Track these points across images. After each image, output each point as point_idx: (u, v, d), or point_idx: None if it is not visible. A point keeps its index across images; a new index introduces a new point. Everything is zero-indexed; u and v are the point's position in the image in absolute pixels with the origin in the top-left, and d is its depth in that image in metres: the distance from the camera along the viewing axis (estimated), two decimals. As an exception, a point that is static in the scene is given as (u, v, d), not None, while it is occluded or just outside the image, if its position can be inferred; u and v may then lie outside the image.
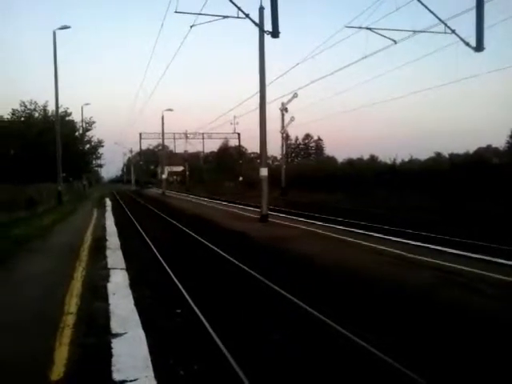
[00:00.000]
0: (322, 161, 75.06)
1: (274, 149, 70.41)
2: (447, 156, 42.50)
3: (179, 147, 75.56)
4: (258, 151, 18.55)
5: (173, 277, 8.05)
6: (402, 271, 8.01)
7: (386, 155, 45.21)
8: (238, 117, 56.73)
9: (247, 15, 15.04)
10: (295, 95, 37.10)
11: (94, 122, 50.12)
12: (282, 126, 40.67)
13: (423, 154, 67.37)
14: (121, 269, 8.48)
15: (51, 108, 40.51)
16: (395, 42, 15.47)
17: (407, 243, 10.96)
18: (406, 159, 42.43)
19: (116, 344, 4.48)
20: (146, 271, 8.87)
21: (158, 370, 3.96)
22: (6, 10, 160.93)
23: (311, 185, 41.03)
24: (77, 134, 48.19)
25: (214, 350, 4.62)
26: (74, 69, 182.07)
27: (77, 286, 7.00)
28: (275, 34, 14.75)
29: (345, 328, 5.12)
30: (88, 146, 53.59)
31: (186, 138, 67.43)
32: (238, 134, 66.54)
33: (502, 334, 4.94)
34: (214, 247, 11.23)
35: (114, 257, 9.78)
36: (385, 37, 15.37)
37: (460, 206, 22.03)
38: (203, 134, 65.82)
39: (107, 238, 12.93)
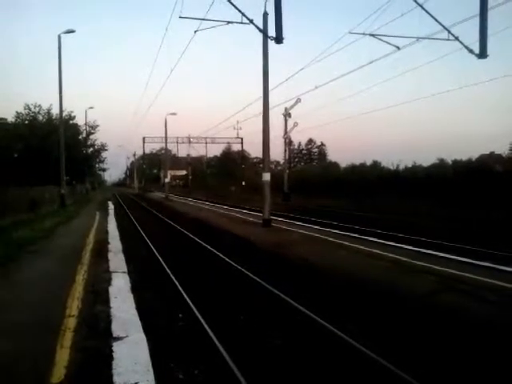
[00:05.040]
0: (324, 166, 74.89)
1: (277, 154, 70.76)
2: (450, 162, 42.46)
3: (182, 151, 76.11)
4: (261, 156, 18.56)
5: (174, 280, 8.06)
6: (408, 278, 7.95)
7: (388, 161, 45.15)
8: (241, 121, 56.95)
9: (251, 21, 15.09)
10: (298, 100, 37.12)
11: (97, 126, 50.31)
12: (285, 131, 40.68)
13: (426, 160, 67.32)
14: (122, 272, 8.48)
15: (55, 111, 40.80)
16: (398, 48, 15.50)
17: (418, 251, 10.62)
18: (409, 165, 42.37)
19: (117, 347, 4.48)
20: (147, 275, 8.89)
21: (159, 373, 3.95)
22: (10, 12, 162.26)
23: (314, 190, 41.01)
24: (80, 137, 48.34)
25: (216, 355, 4.63)
26: (78, 72, 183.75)
27: (79, 288, 7.00)
28: (279, 39, 14.76)
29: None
30: (91, 149, 53.73)
31: (189, 142, 67.74)
32: (241, 139, 66.82)
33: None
34: (215, 251, 11.23)
35: (116, 260, 9.78)
36: (388, 43, 15.40)
37: (464, 213, 21.95)
38: (206, 138, 66.06)
39: (109, 241, 12.94)
